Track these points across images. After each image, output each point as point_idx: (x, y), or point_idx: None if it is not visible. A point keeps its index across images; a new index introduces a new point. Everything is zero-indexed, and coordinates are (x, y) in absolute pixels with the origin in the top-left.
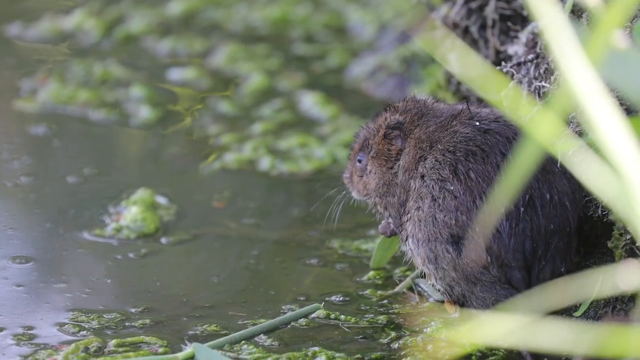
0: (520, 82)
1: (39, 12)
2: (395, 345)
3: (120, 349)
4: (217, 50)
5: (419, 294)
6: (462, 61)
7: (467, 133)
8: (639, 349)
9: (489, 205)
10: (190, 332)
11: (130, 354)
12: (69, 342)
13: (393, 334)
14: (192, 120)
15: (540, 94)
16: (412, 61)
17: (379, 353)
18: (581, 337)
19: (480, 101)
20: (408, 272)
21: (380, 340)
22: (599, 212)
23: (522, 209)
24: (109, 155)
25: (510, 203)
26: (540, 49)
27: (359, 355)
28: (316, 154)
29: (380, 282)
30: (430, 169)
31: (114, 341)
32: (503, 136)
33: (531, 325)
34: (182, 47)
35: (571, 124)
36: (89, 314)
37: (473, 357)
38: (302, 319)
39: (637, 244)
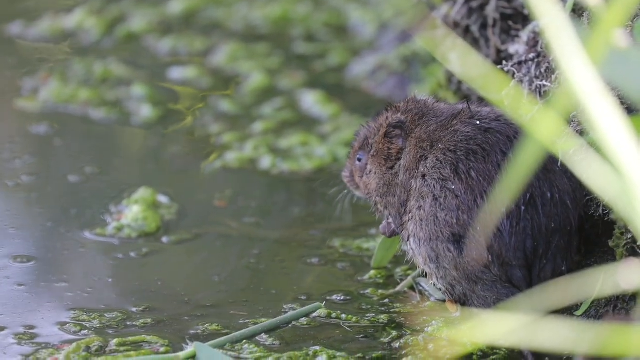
0: (521, 81)
1: (40, 11)
2: (396, 345)
3: (122, 348)
4: (218, 49)
5: (420, 293)
6: (463, 60)
7: (468, 132)
8: None
9: (490, 204)
10: (192, 332)
11: (132, 353)
12: (70, 342)
13: (394, 333)
14: (193, 119)
15: (541, 93)
16: (413, 60)
17: (380, 352)
18: (582, 336)
19: (481, 100)
20: (409, 271)
21: (382, 339)
22: (600, 211)
23: (523, 208)
24: (110, 154)
25: (511, 202)
26: (541, 48)
27: (360, 355)
28: (317, 153)
29: (381, 281)
30: (432, 168)
31: (115, 340)
32: (504, 135)
33: (532, 324)
34: (183, 46)
35: (572, 123)
36: (91, 313)
37: (474, 357)
38: (303, 318)
39: (638, 243)
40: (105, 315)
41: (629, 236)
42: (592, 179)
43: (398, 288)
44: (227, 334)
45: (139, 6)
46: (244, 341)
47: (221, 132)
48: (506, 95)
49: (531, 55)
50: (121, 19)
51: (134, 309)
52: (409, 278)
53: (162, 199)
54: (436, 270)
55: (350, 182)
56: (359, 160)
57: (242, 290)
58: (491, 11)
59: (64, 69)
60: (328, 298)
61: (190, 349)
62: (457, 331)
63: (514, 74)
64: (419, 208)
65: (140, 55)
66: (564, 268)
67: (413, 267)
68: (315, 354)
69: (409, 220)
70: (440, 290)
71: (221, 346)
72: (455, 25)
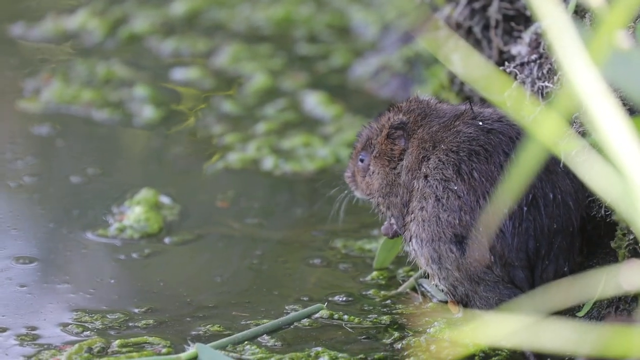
0: (523, 82)
1: (42, 12)
2: (398, 346)
3: (124, 349)
4: (221, 50)
5: (423, 294)
6: (466, 61)
7: (470, 133)
8: None
9: (492, 205)
10: (194, 333)
11: (134, 354)
12: (72, 343)
13: (396, 334)
14: (196, 120)
15: (543, 94)
16: (416, 61)
17: (382, 353)
18: (584, 337)
19: (484, 101)
20: (411, 272)
21: (384, 340)
22: (602, 212)
23: (525, 209)
24: (113, 155)
25: (513, 203)
26: (543, 49)
27: (362, 356)
28: (319, 154)
29: (383, 282)
30: (434, 169)
31: (117, 341)
32: (506, 136)
33: (534, 325)
34: (186, 47)
35: (574, 124)
36: (93, 314)
37: (476, 358)
38: (305, 319)
39: None
40: (108, 316)
41: (631, 237)
42: (594, 180)
43: (400, 289)
44: (229, 334)
45: (141, 7)
46: (246, 342)
47: (224, 133)
48: (508, 96)
49: (533, 57)
50: (124, 20)
51: (136, 310)
52: (411, 279)
53: (165, 199)
54: (438, 271)
55: (352, 182)
56: (362, 160)
57: (244, 291)
58: (493, 12)
59: (67, 70)
60: (330, 299)
61: (192, 350)
62: (459, 332)
63: (516, 75)
64: (421, 209)
65: (143, 57)
66: (566, 269)
67: (415, 268)
68: (317, 355)
69: (411, 221)
70: (443, 291)
71: (223, 347)
72: (458, 27)
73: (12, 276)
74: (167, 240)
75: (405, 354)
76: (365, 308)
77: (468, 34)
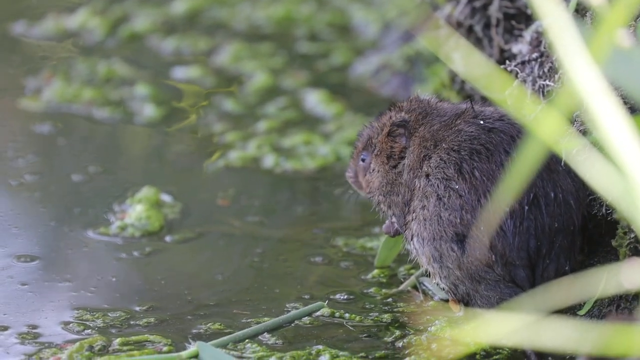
0: (524, 80)
1: (43, 10)
2: (399, 344)
3: (125, 348)
4: (222, 49)
5: (424, 292)
6: (466, 60)
7: (472, 132)
8: None
9: (493, 203)
10: (194, 331)
11: (135, 352)
12: (73, 341)
13: (397, 332)
14: (197, 118)
15: (544, 92)
16: (416, 60)
17: (383, 352)
18: (585, 336)
19: (485, 100)
20: (412, 271)
21: (385, 338)
22: (603, 210)
23: (526, 208)
24: (114, 154)
25: (514, 201)
26: (544, 48)
27: (363, 354)
28: (320, 152)
29: (384, 280)
30: (435, 168)
31: (118, 340)
32: (507, 135)
33: (535, 324)
34: (187, 46)
35: (575, 122)
36: (94, 313)
37: (477, 356)
38: (306, 318)
39: None
40: (109, 314)
41: (632, 236)
42: (595, 179)
43: (401, 287)
44: (229, 333)
45: (142, 6)
46: (247, 340)
47: (224, 131)
48: (509, 94)
49: (534, 55)
50: (125, 18)
51: (137, 308)
52: (412, 277)
53: (166, 198)
54: (439, 270)
55: (354, 181)
56: (363, 160)
57: (245, 290)
58: (494, 11)
59: (68, 69)
60: (331, 297)
61: (192, 348)
62: (460, 331)
63: (517, 73)
64: (422, 207)
65: (144, 55)
66: (567, 268)
67: (416, 267)
68: (318, 353)
69: (412, 219)
70: (444, 289)
71: (224, 345)
72: (459, 25)
73: (13, 274)
74: (168, 238)
75: (407, 352)
76: (367, 306)
77: (469, 32)
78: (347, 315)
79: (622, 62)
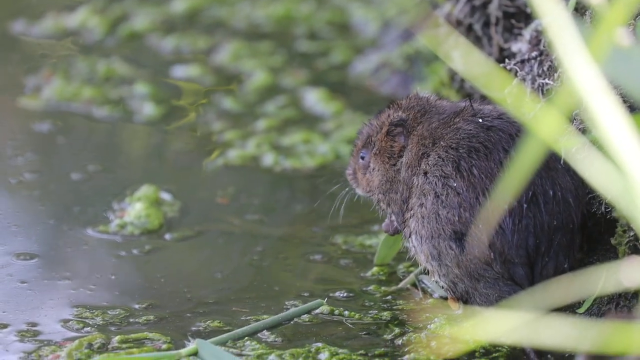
0: (523, 79)
1: (43, 9)
2: (398, 342)
3: (124, 345)
4: (221, 48)
5: (423, 290)
6: (466, 58)
7: (470, 130)
8: None
9: (492, 201)
10: (194, 328)
11: (134, 350)
12: (72, 339)
13: (397, 330)
14: (196, 116)
15: (543, 91)
16: (416, 58)
17: (382, 349)
18: (584, 334)
19: (484, 98)
20: (412, 268)
21: (384, 336)
22: (603, 208)
23: (525, 206)
24: (113, 152)
25: (513, 200)
26: (543, 47)
27: (362, 351)
28: (320, 150)
29: (384, 278)
30: (433, 166)
31: (117, 337)
32: (506, 133)
33: (534, 321)
34: (186, 45)
35: (574, 121)
36: (93, 310)
37: (476, 354)
38: (306, 315)
39: None
40: (108, 312)
41: (631, 234)
42: (594, 177)
43: (400, 285)
44: (229, 330)
45: (142, 5)
46: (246, 338)
47: (224, 129)
48: (509, 93)
49: (534, 54)
50: (124, 17)
51: (137, 306)
52: (412, 275)
53: (165, 196)
54: (438, 268)
55: (353, 180)
56: (362, 158)
57: (244, 287)
58: (494, 9)
59: (67, 67)
60: (330, 295)
61: (192, 345)
62: (459, 328)
63: (516, 72)
64: (420, 205)
65: (144, 54)
66: (566, 266)
67: (415, 264)
68: (318, 351)
69: (410, 217)
70: (443, 287)
71: (223, 343)
72: (458, 24)
73: (13, 272)
74: (167, 236)
75: (406, 349)
76: (366, 304)
77: (468, 31)
78: (346, 312)
79: (622, 61)
